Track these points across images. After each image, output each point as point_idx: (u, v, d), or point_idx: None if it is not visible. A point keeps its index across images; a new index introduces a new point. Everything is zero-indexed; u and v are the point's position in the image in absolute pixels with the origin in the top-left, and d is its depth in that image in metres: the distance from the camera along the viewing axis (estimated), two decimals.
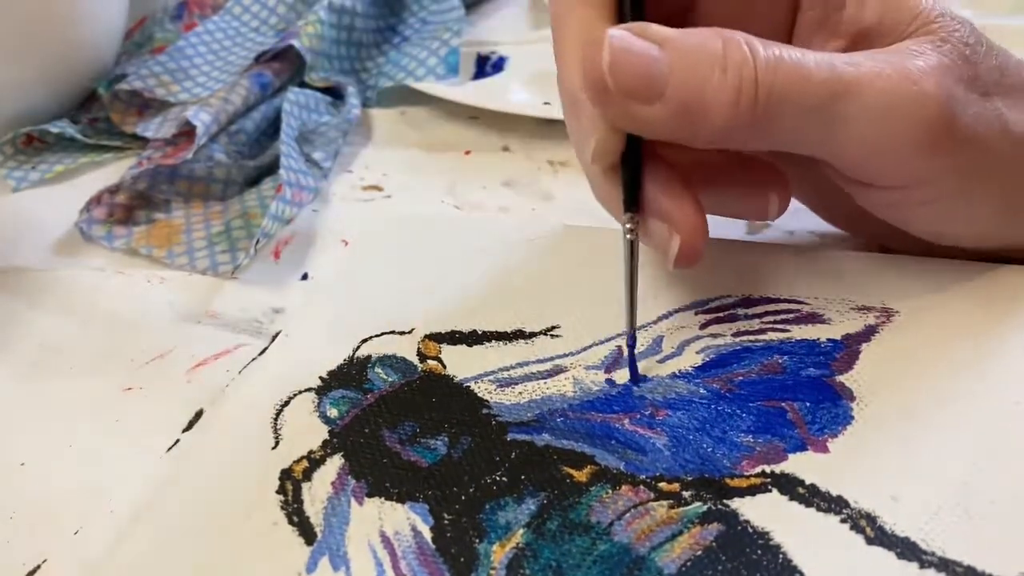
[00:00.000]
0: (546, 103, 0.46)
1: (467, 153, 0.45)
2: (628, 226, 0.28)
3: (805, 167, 0.29)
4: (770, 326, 0.29)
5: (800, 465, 0.25)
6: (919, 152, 0.26)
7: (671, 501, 0.24)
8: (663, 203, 0.27)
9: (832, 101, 0.25)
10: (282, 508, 0.26)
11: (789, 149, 0.27)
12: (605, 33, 0.25)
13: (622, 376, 0.28)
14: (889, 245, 0.32)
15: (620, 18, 0.27)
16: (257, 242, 0.37)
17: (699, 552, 0.23)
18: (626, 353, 0.29)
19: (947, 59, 0.26)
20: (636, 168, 0.27)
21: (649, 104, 0.25)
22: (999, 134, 0.27)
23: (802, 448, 0.25)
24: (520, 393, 0.28)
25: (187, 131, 0.44)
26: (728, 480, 0.25)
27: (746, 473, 0.25)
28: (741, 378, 0.28)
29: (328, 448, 0.27)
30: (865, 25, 0.28)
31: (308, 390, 0.29)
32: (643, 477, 0.25)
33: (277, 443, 0.28)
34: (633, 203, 0.28)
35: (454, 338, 0.31)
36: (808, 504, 0.24)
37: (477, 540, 0.24)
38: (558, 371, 0.29)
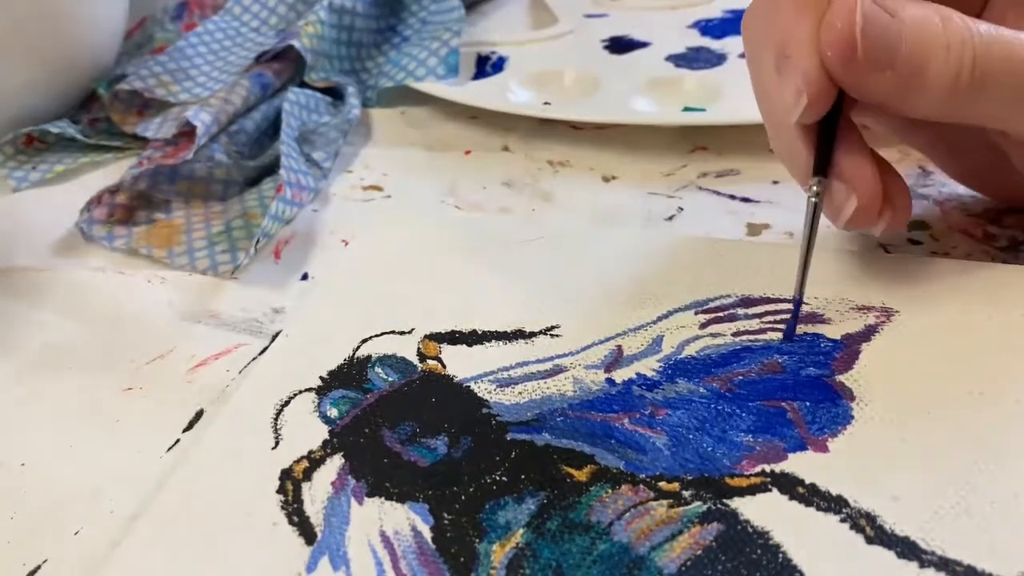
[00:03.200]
0: (546, 103, 0.46)
1: (467, 153, 0.45)
2: (815, 189, 0.28)
3: (960, 143, 0.31)
4: (770, 326, 0.29)
5: (800, 465, 0.25)
6: None
7: (671, 501, 0.24)
8: (847, 166, 0.28)
9: None
10: (282, 508, 0.26)
11: (989, 125, 0.28)
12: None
13: (622, 375, 0.28)
14: (1017, 205, 0.34)
15: None
16: (257, 242, 0.37)
17: (699, 552, 0.23)
18: (622, 352, 0.28)
19: None
20: (832, 132, 0.28)
21: (881, 72, 0.26)
22: None
23: (802, 448, 0.25)
24: (520, 393, 0.28)
25: (187, 131, 0.44)
26: (728, 479, 0.25)
27: (746, 473, 0.25)
28: (741, 377, 0.28)
29: (328, 448, 0.27)
30: None
31: (308, 390, 0.30)
32: (643, 476, 0.25)
33: (277, 443, 0.28)
34: (823, 168, 0.28)
35: (454, 338, 0.31)
36: (808, 504, 0.24)
37: (477, 540, 0.24)
38: (558, 371, 0.29)
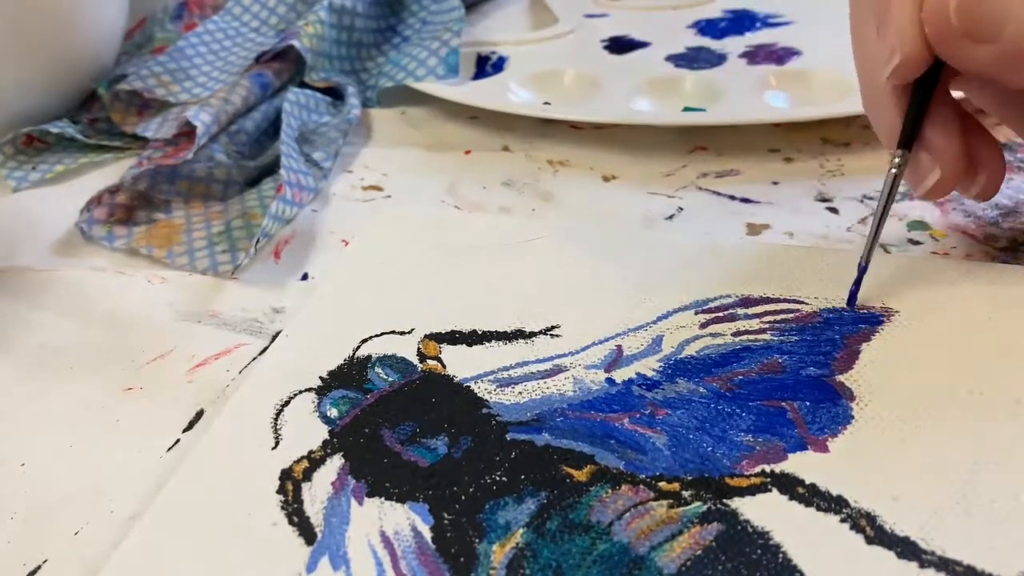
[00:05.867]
0: (546, 103, 0.46)
1: (467, 153, 0.45)
2: (897, 161, 0.28)
3: None
4: (770, 326, 0.29)
5: (800, 465, 0.25)
6: None
7: (671, 501, 0.24)
8: (935, 138, 0.28)
9: None
10: (282, 508, 0.26)
11: None
12: None
13: (622, 375, 0.28)
14: None
15: None
16: (257, 242, 0.37)
17: (699, 552, 0.23)
18: (622, 352, 0.28)
19: None
20: (922, 105, 0.28)
21: (984, 44, 0.26)
22: None
23: (802, 448, 0.25)
24: (520, 393, 0.28)
25: (187, 131, 0.44)
26: (728, 479, 0.25)
27: (746, 473, 0.25)
28: (741, 377, 0.28)
29: (328, 448, 0.27)
30: None
31: (308, 390, 0.30)
32: (643, 476, 0.25)
33: (277, 443, 0.28)
34: (909, 141, 0.28)
35: (454, 338, 0.31)
36: (808, 504, 0.24)
37: (477, 540, 0.24)
38: (558, 371, 0.29)
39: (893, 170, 0.29)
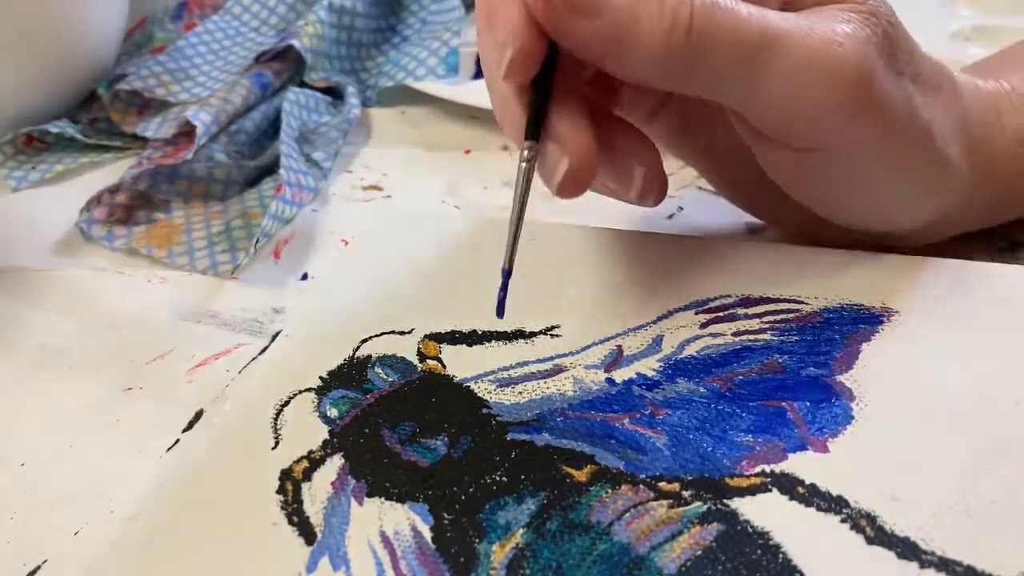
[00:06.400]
0: None
1: (467, 153, 0.45)
2: (526, 153, 0.27)
3: (715, 134, 0.30)
4: (770, 326, 0.29)
5: (800, 465, 0.25)
6: (835, 112, 0.26)
7: (671, 501, 0.24)
8: (560, 125, 0.27)
9: (759, 52, 0.26)
10: (282, 508, 0.26)
11: (708, 96, 0.27)
12: None
13: (622, 375, 0.28)
14: (788, 229, 0.34)
15: None
16: (257, 242, 0.37)
17: (699, 552, 0.23)
18: (622, 352, 0.28)
19: (871, 31, 0.27)
20: (545, 95, 0.27)
21: (588, 19, 0.25)
22: (908, 115, 0.27)
23: (802, 448, 0.25)
24: (520, 393, 0.28)
25: (187, 131, 0.44)
26: (728, 480, 0.25)
27: (746, 473, 0.25)
28: (741, 377, 0.28)
29: (328, 448, 0.27)
30: None
31: (308, 390, 0.30)
32: (643, 477, 0.25)
33: (277, 443, 0.28)
34: (536, 132, 0.27)
35: (454, 338, 0.31)
36: (808, 504, 0.24)
37: (477, 540, 0.24)
38: (558, 370, 0.29)
39: (523, 164, 0.27)
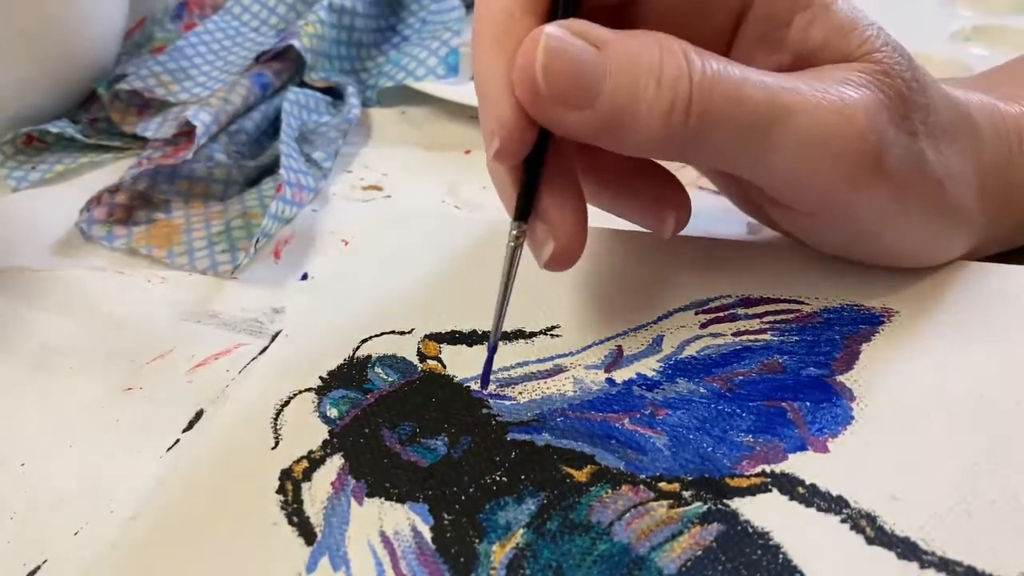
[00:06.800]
0: None
1: (467, 153, 0.45)
2: (514, 233, 0.27)
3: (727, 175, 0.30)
4: (770, 326, 0.29)
5: (800, 465, 0.25)
6: (842, 185, 0.26)
7: (671, 501, 0.24)
8: (550, 209, 0.27)
9: (767, 126, 0.25)
10: (282, 508, 0.26)
11: (716, 167, 0.27)
12: (541, 30, 0.24)
13: (622, 375, 0.28)
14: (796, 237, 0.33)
15: (553, 11, 0.26)
16: (257, 242, 0.37)
17: (699, 552, 0.23)
18: (622, 352, 0.28)
19: (884, 95, 0.26)
20: (535, 177, 0.27)
21: (579, 110, 0.24)
22: (918, 176, 0.27)
23: (802, 448, 0.25)
24: (520, 393, 0.28)
25: (187, 131, 0.44)
26: (728, 480, 0.25)
27: (746, 473, 0.25)
28: (741, 377, 0.28)
29: (328, 448, 0.27)
30: (810, 47, 0.27)
31: (308, 390, 0.30)
32: (643, 477, 0.25)
33: (277, 443, 0.28)
34: (524, 214, 0.27)
35: (454, 338, 0.31)
36: (808, 504, 0.24)
37: (477, 540, 0.24)
38: (558, 371, 0.29)
39: (510, 243, 0.27)
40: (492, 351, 0.28)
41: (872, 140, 0.25)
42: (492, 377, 0.29)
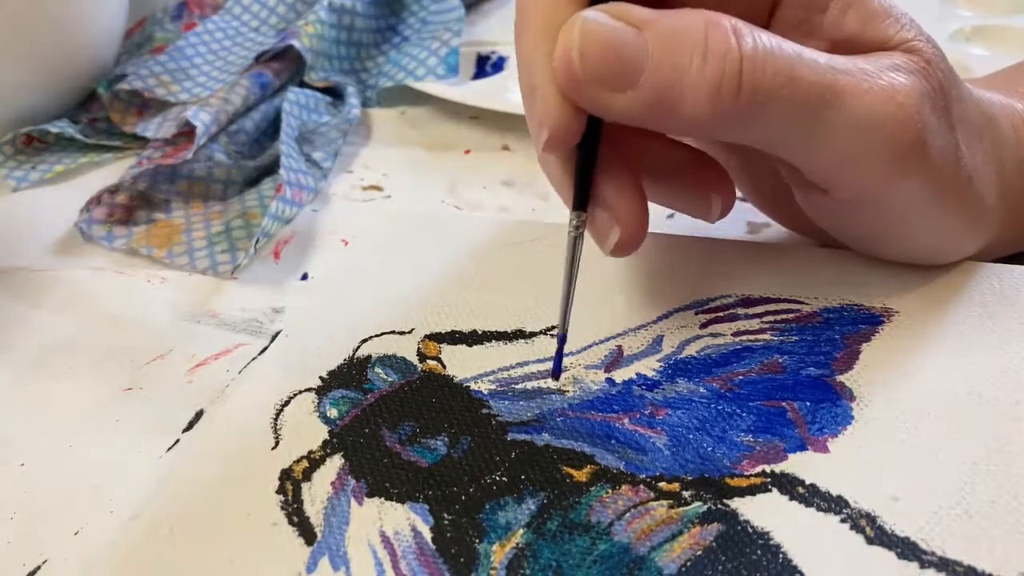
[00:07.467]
0: None
1: (467, 153, 0.45)
2: (574, 223, 0.27)
3: (751, 161, 0.29)
4: (770, 326, 0.29)
5: (800, 465, 0.25)
6: (888, 170, 0.26)
7: (671, 501, 0.24)
8: (609, 195, 0.26)
9: (821, 107, 0.24)
10: (282, 508, 0.26)
11: (763, 148, 0.26)
12: (578, 16, 0.24)
13: (622, 375, 0.28)
14: (819, 241, 0.33)
15: None
16: (257, 242, 0.37)
17: (699, 552, 0.23)
18: (622, 352, 0.28)
19: (928, 85, 0.26)
20: (589, 166, 0.26)
21: (621, 92, 0.24)
22: (953, 169, 0.27)
23: (802, 448, 0.25)
24: (520, 393, 0.28)
25: (187, 131, 0.44)
26: (728, 480, 0.25)
27: (746, 473, 0.25)
28: (741, 377, 0.28)
29: (328, 448, 0.27)
30: (846, 34, 0.27)
31: (308, 390, 0.30)
32: (643, 477, 0.25)
33: (277, 443, 0.28)
34: (583, 203, 0.27)
35: (454, 338, 0.31)
36: (808, 504, 0.24)
37: (477, 540, 0.24)
38: None
39: (572, 233, 0.27)
40: (562, 342, 0.28)
41: (920, 128, 0.25)
42: (492, 377, 0.29)
